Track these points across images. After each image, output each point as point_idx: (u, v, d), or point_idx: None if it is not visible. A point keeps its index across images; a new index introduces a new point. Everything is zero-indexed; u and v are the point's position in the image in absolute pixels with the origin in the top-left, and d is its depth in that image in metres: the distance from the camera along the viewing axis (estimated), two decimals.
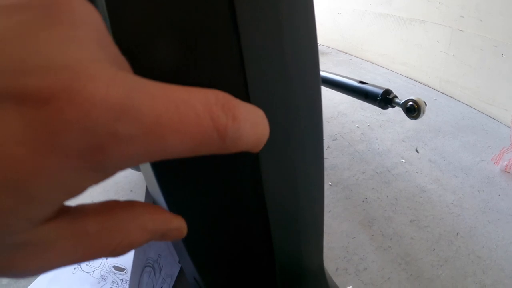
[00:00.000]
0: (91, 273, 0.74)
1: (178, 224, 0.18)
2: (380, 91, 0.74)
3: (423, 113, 0.69)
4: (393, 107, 0.74)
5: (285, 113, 0.31)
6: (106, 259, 0.77)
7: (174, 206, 0.32)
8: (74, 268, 0.75)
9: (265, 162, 0.31)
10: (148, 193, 0.56)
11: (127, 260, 0.76)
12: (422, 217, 0.83)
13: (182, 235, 0.19)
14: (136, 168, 0.77)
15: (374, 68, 1.85)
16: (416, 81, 1.64)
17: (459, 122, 1.25)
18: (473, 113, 1.31)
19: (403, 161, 1.04)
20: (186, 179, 0.31)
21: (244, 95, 0.25)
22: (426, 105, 0.70)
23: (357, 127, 1.23)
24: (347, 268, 0.70)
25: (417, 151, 1.08)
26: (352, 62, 1.95)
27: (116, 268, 0.75)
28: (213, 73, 0.23)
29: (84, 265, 0.76)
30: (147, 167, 0.31)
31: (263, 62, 0.26)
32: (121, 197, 0.98)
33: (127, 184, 1.04)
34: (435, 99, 1.44)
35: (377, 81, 1.58)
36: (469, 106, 1.36)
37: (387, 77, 1.71)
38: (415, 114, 0.68)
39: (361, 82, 0.81)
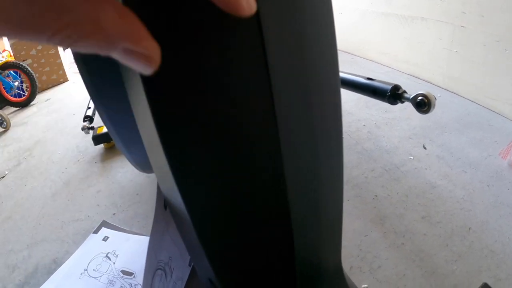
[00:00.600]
0: (98, 278, 0.73)
1: (148, 47, 0.17)
2: (389, 87, 0.73)
3: (434, 107, 0.68)
4: (402, 102, 0.74)
5: (309, 111, 0.30)
6: (114, 263, 0.76)
7: (191, 200, 0.31)
8: (81, 274, 0.74)
9: (288, 160, 0.30)
10: (159, 194, 0.55)
11: (135, 264, 0.75)
12: (434, 213, 0.82)
13: (148, 65, 0.17)
14: (142, 168, 0.76)
15: (376, 67, 1.84)
16: (419, 78, 1.64)
17: (464, 118, 1.24)
18: (478, 109, 1.31)
19: (411, 158, 1.03)
20: (206, 175, 0.30)
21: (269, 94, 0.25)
22: (436, 99, 0.69)
23: (364, 125, 1.22)
24: (361, 266, 0.69)
25: (425, 148, 1.07)
26: (354, 62, 1.95)
27: (124, 272, 0.74)
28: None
29: (91, 270, 0.75)
30: (163, 166, 0.30)
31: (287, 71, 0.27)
32: (127, 200, 0.98)
33: (132, 187, 1.04)
34: (440, 96, 1.44)
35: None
36: (473, 102, 1.36)
37: (390, 75, 1.71)
38: (425, 108, 0.67)
39: (368, 78, 0.80)
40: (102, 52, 0.16)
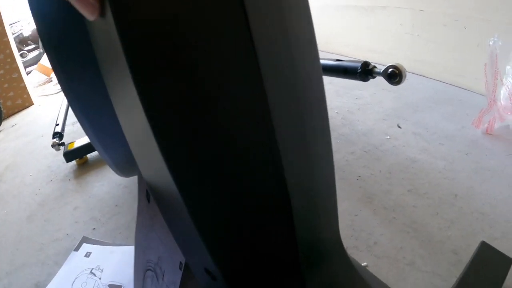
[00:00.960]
0: None
1: None
2: (359, 64, 0.74)
3: (405, 77, 0.69)
4: (374, 77, 0.74)
5: (297, 96, 0.30)
6: (100, 278, 0.71)
7: (186, 186, 0.29)
8: None
9: (283, 141, 0.29)
10: (141, 187, 0.52)
11: (123, 276, 0.71)
12: (419, 185, 0.82)
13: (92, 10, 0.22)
14: (121, 170, 0.72)
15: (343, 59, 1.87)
16: (385, 65, 1.67)
17: (434, 97, 1.27)
18: (446, 86, 1.35)
19: (388, 137, 1.04)
20: (202, 161, 0.29)
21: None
22: (406, 70, 0.70)
23: (337, 113, 1.23)
24: (357, 245, 0.67)
25: (399, 127, 1.09)
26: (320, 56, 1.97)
27: (112, 286, 0.69)
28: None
29: (78, 285, 0.70)
30: (152, 153, 0.28)
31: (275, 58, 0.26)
32: (106, 213, 0.93)
33: (110, 199, 0.99)
34: (407, 79, 1.47)
35: None
36: (440, 81, 1.40)
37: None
38: (397, 79, 0.68)
39: (337, 60, 0.81)
40: None
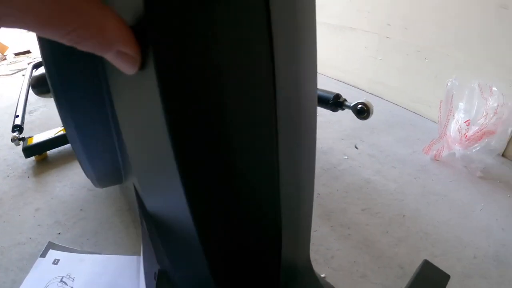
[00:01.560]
0: None
1: (135, 51, 0.21)
2: (331, 95, 0.80)
3: (372, 114, 0.76)
4: (343, 109, 0.80)
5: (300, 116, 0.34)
6: (72, 287, 0.71)
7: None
8: None
9: (283, 163, 0.33)
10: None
11: (96, 285, 0.70)
12: (372, 205, 0.91)
13: (134, 66, 0.22)
14: (100, 181, 0.72)
15: None
16: (347, 84, 1.78)
17: (390, 120, 1.38)
18: (401, 110, 1.46)
19: (346, 157, 1.12)
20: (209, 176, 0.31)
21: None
22: (373, 106, 0.77)
23: None
24: (316, 259, 0.74)
25: (357, 148, 1.18)
26: None
27: None
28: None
29: None
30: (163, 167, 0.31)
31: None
32: (71, 217, 0.92)
33: (75, 202, 0.97)
34: (365, 99, 1.58)
35: None
36: (397, 105, 1.51)
37: (320, 81, 1.82)
38: (365, 115, 0.75)
39: None
40: (100, 52, 0.20)
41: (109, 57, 0.20)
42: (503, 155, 1.14)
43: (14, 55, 2.85)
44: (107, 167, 0.61)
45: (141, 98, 0.30)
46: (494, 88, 1.05)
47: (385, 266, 0.73)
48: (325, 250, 0.77)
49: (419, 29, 1.35)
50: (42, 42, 0.46)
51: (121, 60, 0.21)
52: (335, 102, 0.77)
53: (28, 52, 2.89)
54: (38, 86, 1.12)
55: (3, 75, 2.46)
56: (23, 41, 3.28)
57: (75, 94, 0.48)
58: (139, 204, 0.46)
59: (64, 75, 0.47)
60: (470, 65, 1.20)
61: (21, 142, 1.16)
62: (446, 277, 0.66)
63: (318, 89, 0.85)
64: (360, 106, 0.73)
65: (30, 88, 1.03)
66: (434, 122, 1.14)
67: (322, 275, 0.69)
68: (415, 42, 1.38)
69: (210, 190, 0.32)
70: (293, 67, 0.30)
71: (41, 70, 1.41)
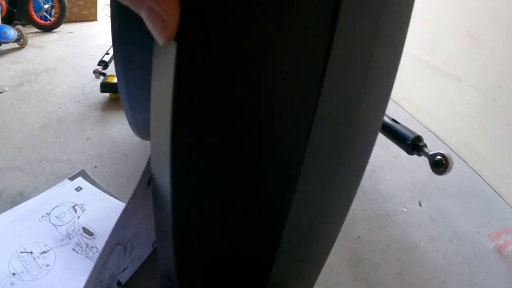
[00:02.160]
0: (57, 227, 0.68)
1: (166, 11, 0.18)
2: (412, 135, 0.70)
3: (450, 171, 0.65)
4: (419, 155, 0.70)
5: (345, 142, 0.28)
6: (78, 217, 0.72)
7: (181, 183, 0.28)
8: (42, 216, 0.70)
9: (303, 177, 0.27)
10: (147, 168, 0.52)
11: (99, 226, 0.70)
12: (409, 273, 0.79)
13: (163, 30, 0.19)
14: (140, 134, 0.73)
15: (397, 109, 1.82)
16: (434, 134, 1.61)
17: (466, 189, 1.21)
18: (481, 183, 1.28)
19: (405, 210, 1.00)
20: (209, 165, 0.27)
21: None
22: (454, 163, 0.66)
23: (368, 162, 1.19)
24: None
25: (420, 205, 1.04)
26: None
27: (85, 230, 0.69)
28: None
29: (53, 216, 0.70)
30: (164, 138, 0.27)
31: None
32: (113, 157, 0.94)
33: (123, 146, 1.00)
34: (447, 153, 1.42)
35: None
36: (480, 176, 1.33)
37: (407, 121, 1.67)
38: (441, 169, 0.64)
39: (393, 120, 0.77)
40: (134, 7, 0.18)
41: (142, 15, 0.18)
42: None
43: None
44: (142, 122, 0.60)
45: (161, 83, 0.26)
46: None
47: None
48: None
49: None
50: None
51: (152, 20, 0.18)
52: (414, 144, 0.68)
53: None
54: None
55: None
56: None
57: (128, 47, 0.49)
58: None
59: (121, 30, 0.47)
60: None
61: (101, 77, 1.23)
62: None
63: (400, 124, 0.77)
64: (439, 157, 0.63)
65: None
66: None
67: None
68: None
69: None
70: (351, 91, 0.25)
71: None
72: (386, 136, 0.75)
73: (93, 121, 1.12)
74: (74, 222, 0.71)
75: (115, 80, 1.25)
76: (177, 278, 0.34)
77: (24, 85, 1.33)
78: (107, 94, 1.28)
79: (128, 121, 0.67)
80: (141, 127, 0.65)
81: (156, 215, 0.39)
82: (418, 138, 0.68)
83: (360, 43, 0.23)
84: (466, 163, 1.39)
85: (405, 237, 0.89)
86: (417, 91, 1.75)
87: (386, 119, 0.77)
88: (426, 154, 0.66)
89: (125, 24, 0.47)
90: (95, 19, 2.58)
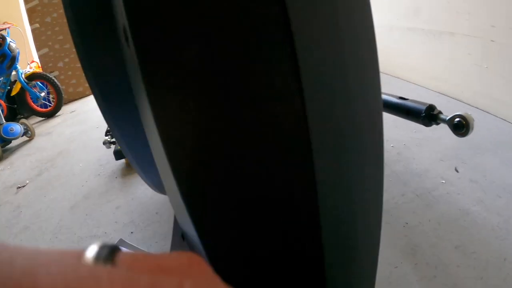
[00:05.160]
0: None
1: None
2: (423, 107, 0.69)
3: (472, 129, 0.64)
4: (438, 124, 0.69)
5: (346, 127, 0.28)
6: None
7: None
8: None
9: (322, 178, 0.27)
10: (176, 224, 0.53)
11: None
12: (468, 242, 0.76)
13: None
14: (158, 189, 0.74)
15: (404, 84, 1.80)
16: (448, 96, 1.58)
17: (497, 138, 1.18)
18: (510, 127, 1.24)
19: (443, 181, 0.98)
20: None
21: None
22: (474, 120, 0.65)
23: (392, 146, 1.17)
24: None
25: (457, 171, 1.02)
26: (381, 79, 1.91)
27: None
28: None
29: None
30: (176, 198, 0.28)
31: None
32: (146, 219, 0.96)
33: (152, 205, 1.02)
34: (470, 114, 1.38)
35: None
36: (505, 120, 1.29)
37: (418, 92, 1.67)
38: (463, 131, 0.63)
39: (401, 98, 0.76)
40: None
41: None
42: None
43: None
44: (157, 179, 0.61)
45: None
46: None
47: None
48: None
49: None
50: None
51: None
52: (428, 115, 0.66)
53: None
54: None
55: None
56: None
57: (123, 127, 0.52)
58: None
59: (115, 111, 0.50)
60: None
61: (112, 146, 1.27)
62: None
63: (409, 99, 0.75)
64: (457, 119, 0.62)
65: None
66: None
67: None
68: None
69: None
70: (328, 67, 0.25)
71: None
72: (400, 116, 0.74)
73: (117, 189, 1.15)
74: None
75: None
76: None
77: (43, 174, 1.38)
78: (122, 160, 1.32)
79: (143, 180, 0.69)
80: (156, 184, 0.66)
81: None
82: (431, 107, 0.67)
83: (322, 39, 0.24)
84: (488, 113, 1.36)
85: (453, 208, 0.87)
86: (417, 60, 1.74)
87: (393, 99, 0.76)
88: (444, 121, 0.65)
89: (112, 105, 0.49)
90: (91, 93, 2.68)
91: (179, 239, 0.45)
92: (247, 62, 0.23)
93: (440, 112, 0.69)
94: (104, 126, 1.72)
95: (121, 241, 0.87)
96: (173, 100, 0.24)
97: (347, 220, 0.33)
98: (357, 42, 0.28)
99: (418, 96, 1.57)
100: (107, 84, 0.47)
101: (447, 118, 0.66)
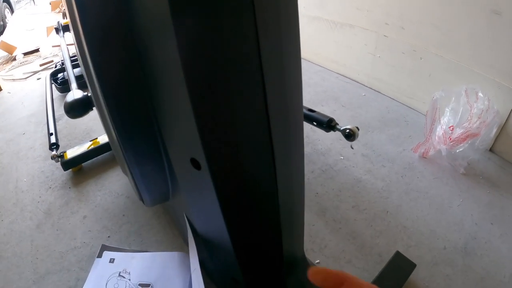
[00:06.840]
0: None
1: None
2: (326, 119, 1.04)
3: (357, 137, 1.01)
4: (334, 131, 1.07)
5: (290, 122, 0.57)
6: (129, 279, 0.96)
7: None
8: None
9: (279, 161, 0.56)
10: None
11: (149, 276, 0.96)
12: (360, 202, 1.20)
13: None
14: (152, 202, 0.90)
15: (309, 66, 2.22)
16: (346, 77, 2.04)
17: (385, 116, 1.64)
18: (397, 106, 1.72)
19: (342, 157, 1.41)
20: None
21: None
22: (358, 129, 1.03)
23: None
24: (312, 248, 1.04)
25: (352, 148, 1.45)
26: None
27: (142, 285, 0.95)
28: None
29: (111, 287, 0.95)
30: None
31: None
32: (116, 222, 1.18)
33: (117, 209, 1.24)
34: (364, 95, 1.85)
35: (313, 80, 2.02)
36: (394, 99, 1.77)
37: (321, 75, 2.10)
38: (351, 138, 1.00)
39: (310, 110, 1.11)
40: None
41: None
42: (490, 149, 1.37)
43: (23, 55, 3.04)
44: (160, 192, 0.83)
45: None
46: (480, 94, 1.24)
47: (367, 254, 1.02)
48: (319, 240, 1.07)
49: (416, 29, 1.55)
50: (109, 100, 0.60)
51: None
52: (329, 125, 1.02)
53: (37, 50, 3.08)
54: (73, 111, 1.31)
55: (18, 79, 2.59)
56: (31, 39, 3.42)
57: (136, 143, 0.66)
58: (189, 224, 0.76)
59: (127, 125, 0.63)
60: (460, 68, 1.40)
61: (59, 159, 1.41)
62: (413, 265, 0.94)
63: (316, 112, 1.11)
64: (348, 131, 0.98)
65: (65, 113, 1.20)
66: None
67: (317, 261, 1.00)
68: (411, 41, 1.60)
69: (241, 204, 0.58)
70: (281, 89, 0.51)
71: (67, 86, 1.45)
72: (308, 123, 1.09)
73: (76, 199, 1.31)
74: (130, 285, 0.95)
75: (69, 155, 1.43)
76: (241, 271, 0.67)
77: None
78: (68, 170, 1.45)
79: (141, 198, 0.84)
80: (155, 197, 0.85)
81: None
82: (330, 120, 1.00)
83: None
84: (380, 93, 1.83)
85: (349, 178, 1.30)
86: (321, 45, 2.15)
87: (305, 110, 1.10)
88: (339, 130, 0.98)
89: (126, 124, 0.62)
90: None
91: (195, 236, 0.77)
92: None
93: (337, 124, 1.05)
94: (29, 131, 1.80)
95: (104, 246, 1.07)
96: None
97: (290, 190, 0.61)
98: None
99: (321, 79, 2.03)
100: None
101: (341, 128, 1.02)
